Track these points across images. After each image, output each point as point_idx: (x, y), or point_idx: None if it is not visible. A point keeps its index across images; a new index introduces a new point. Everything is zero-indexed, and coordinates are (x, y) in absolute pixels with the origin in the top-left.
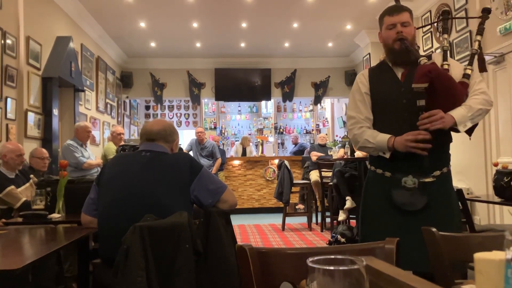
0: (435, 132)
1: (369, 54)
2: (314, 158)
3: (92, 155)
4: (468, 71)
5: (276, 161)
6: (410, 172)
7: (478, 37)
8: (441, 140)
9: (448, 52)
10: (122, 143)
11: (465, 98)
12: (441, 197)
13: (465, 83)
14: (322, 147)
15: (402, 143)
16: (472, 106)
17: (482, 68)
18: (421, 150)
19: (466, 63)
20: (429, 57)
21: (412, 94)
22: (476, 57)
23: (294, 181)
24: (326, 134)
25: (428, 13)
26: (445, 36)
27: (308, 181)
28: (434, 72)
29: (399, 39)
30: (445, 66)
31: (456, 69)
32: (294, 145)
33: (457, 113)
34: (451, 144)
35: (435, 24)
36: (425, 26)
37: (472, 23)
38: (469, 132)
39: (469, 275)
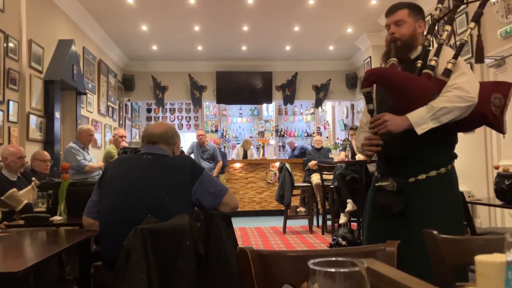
0: (409, 135)
1: (370, 57)
2: (311, 166)
3: (94, 158)
4: (449, 65)
5: (277, 164)
6: (391, 175)
7: (472, 24)
8: (422, 142)
9: (443, 46)
10: (125, 144)
11: (436, 96)
12: (426, 202)
13: (441, 80)
14: (318, 151)
15: (362, 148)
16: (434, 106)
17: (479, 59)
18: (373, 153)
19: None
20: (427, 52)
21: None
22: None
23: (295, 184)
24: (328, 137)
25: (429, 17)
26: (447, 27)
27: (309, 184)
28: (374, 75)
29: (392, 40)
30: (432, 62)
31: (443, 64)
32: (292, 151)
33: (415, 114)
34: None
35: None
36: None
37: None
38: (499, 129)
39: (470, 278)
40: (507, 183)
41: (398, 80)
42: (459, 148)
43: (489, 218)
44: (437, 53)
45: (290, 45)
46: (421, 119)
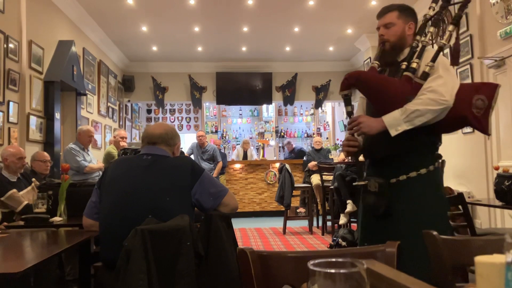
0: (390, 136)
1: (370, 58)
2: (311, 166)
3: (94, 159)
4: (427, 68)
5: (277, 165)
6: (376, 175)
7: (450, 27)
8: (403, 144)
9: (426, 48)
10: (125, 145)
11: (412, 98)
12: (406, 202)
13: (417, 83)
14: (318, 152)
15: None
16: (407, 108)
17: (454, 62)
18: (349, 154)
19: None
20: (413, 53)
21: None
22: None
23: (295, 185)
24: (327, 138)
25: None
26: (431, 29)
27: (309, 185)
28: (351, 79)
29: (381, 43)
30: (413, 65)
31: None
32: (289, 152)
33: (389, 116)
34: (451, 147)
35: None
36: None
37: (472, 27)
38: (482, 130)
39: (470, 279)
40: (507, 183)
41: (374, 83)
42: (459, 149)
43: (489, 219)
44: (419, 55)
45: (290, 46)
46: (395, 121)
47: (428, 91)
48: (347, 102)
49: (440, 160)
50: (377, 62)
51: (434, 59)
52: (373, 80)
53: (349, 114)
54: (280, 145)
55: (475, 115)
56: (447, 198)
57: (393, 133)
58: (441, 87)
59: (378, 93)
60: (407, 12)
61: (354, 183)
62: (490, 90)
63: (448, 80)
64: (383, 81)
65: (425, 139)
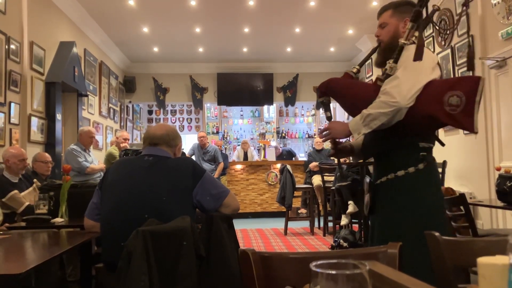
0: (375, 139)
1: (371, 59)
2: (312, 167)
3: (95, 160)
4: (388, 70)
5: (278, 166)
6: (372, 175)
7: (409, 25)
8: (384, 145)
9: (406, 47)
10: (127, 146)
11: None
12: (384, 204)
13: (378, 86)
14: (319, 152)
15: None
16: (364, 112)
17: (416, 57)
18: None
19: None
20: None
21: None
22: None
23: (297, 186)
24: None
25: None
26: (408, 25)
27: (310, 186)
28: (322, 86)
29: (378, 43)
30: (386, 66)
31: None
32: (277, 158)
33: (353, 121)
34: (452, 148)
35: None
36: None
37: (473, 28)
38: (465, 128)
39: (472, 280)
40: (508, 184)
41: (342, 89)
42: (460, 150)
43: (491, 219)
44: (396, 56)
45: (291, 46)
46: (356, 126)
47: (382, 93)
48: (326, 108)
49: (425, 162)
50: (357, 67)
51: (396, 60)
52: (341, 86)
53: (329, 119)
54: (281, 146)
55: (448, 113)
56: (428, 202)
57: (355, 136)
58: (394, 88)
59: (346, 98)
60: (403, 9)
61: (337, 184)
62: (469, 85)
63: (404, 80)
64: (351, 86)
65: (403, 141)
